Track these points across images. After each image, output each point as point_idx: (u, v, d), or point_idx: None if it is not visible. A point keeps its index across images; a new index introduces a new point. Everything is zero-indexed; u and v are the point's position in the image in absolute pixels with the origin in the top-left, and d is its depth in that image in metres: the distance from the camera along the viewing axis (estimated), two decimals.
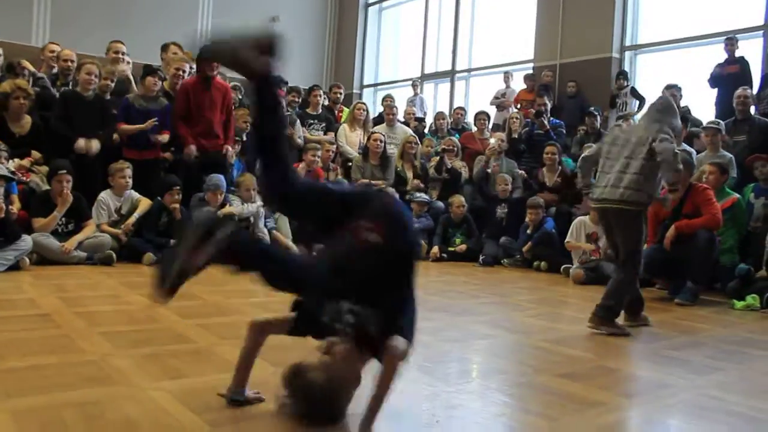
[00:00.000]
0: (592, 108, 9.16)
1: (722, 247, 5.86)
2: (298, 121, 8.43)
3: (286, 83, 9.61)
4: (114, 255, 5.63)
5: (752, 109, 7.88)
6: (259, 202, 6.59)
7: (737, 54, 8.64)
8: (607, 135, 4.50)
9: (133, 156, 6.35)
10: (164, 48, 7.91)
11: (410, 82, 12.83)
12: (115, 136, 6.47)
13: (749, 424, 2.35)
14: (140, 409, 2.11)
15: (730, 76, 8.41)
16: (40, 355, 2.68)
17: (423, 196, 7.99)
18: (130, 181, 6.07)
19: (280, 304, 4.18)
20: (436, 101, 13.81)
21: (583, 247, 6.42)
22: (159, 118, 6.47)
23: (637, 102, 9.80)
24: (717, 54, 8.88)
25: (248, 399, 2.24)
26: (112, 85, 6.73)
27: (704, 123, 7.49)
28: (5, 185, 5.16)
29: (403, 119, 10.05)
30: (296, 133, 8.24)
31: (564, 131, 9.16)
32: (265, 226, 6.60)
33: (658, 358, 3.35)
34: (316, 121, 8.84)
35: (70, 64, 7.05)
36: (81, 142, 6.12)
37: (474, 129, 9.65)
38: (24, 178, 5.88)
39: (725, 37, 8.80)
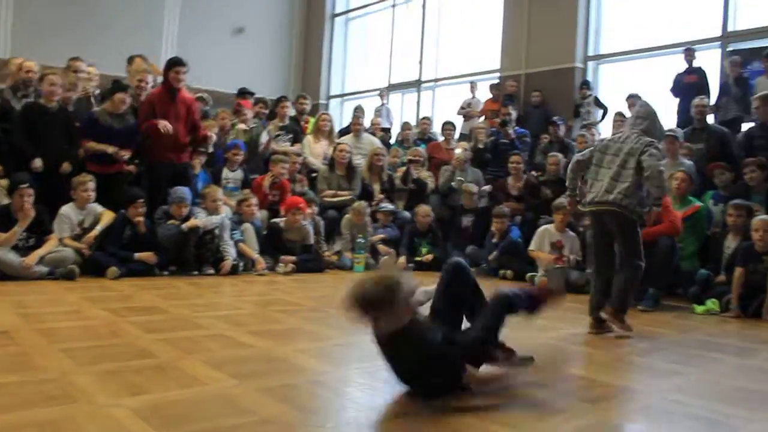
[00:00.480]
0: (556, 117, 9.27)
1: (683, 254, 5.97)
2: (264, 132, 8.40)
3: (253, 94, 9.59)
4: (77, 269, 5.52)
5: (711, 118, 8.05)
6: (224, 213, 6.55)
7: (695, 64, 8.83)
8: (599, 143, 4.64)
9: (96, 169, 6.27)
10: (130, 61, 7.85)
11: (377, 93, 12.87)
12: (81, 150, 6.38)
13: (709, 427, 2.39)
14: (100, 428, 2.08)
15: (689, 86, 8.59)
16: None
17: (388, 206, 8.00)
18: (93, 194, 5.99)
19: (247, 316, 4.20)
20: (402, 111, 13.86)
21: (542, 258, 6.49)
22: (123, 137, 6.41)
23: (601, 111, 9.95)
24: (677, 64, 9.06)
25: None
26: (74, 97, 6.65)
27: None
28: None
29: (369, 129, 10.07)
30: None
31: (529, 140, 9.25)
32: (232, 237, 6.56)
33: (621, 364, 3.40)
34: (283, 132, 8.81)
35: (31, 75, 6.94)
36: (37, 162, 6.04)
37: (440, 139, 9.70)
38: None
39: (684, 48, 8.99)
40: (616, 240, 4.27)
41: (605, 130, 9.58)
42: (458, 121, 10.71)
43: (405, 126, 10.19)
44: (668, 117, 8.82)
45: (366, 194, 8.20)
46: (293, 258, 6.78)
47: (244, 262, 6.55)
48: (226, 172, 7.54)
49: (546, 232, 6.64)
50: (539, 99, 10.42)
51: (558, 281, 6.05)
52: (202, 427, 2.12)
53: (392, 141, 10.49)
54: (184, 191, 6.26)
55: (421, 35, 13.68)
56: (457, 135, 10.06)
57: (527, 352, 2.96)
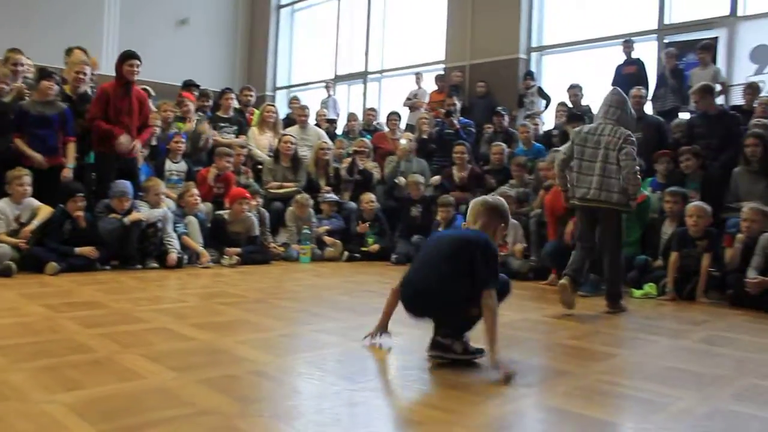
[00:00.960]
0: (500, 108, 9.39)
1: (629, 240, 6.11)
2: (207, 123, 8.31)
3: (198, 86, 9.47)
4: (13, 266, 5.37)
5: (649, 108, 8.28)
6: (166, 207, 6.47)
7: (634, 55, 9.04)
8: (576, 135, 4.91)
9: (33, 163, 6.11)
10: (68, 52, 7.66)
11: (323, 84, 12.84)
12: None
13: (639, 405, 2.47)
14: (32, 425, 2.04)
15: (628, 77, 8.78)
16: None
17: (332, 196, 8.01)
18: (29, 188, 5.82)
19: (190, 309, 4.17)
20: (349, 102, 13.86)
21: None
22: (57, 123, 6.26)
23: (544, 101, 10.11)
24: (617, 55, 9.27)
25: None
26: (8, 88, 6.46)
27: None
28: None
29: (314, 121, 10.03)
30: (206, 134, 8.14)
31: (474, 130, 9.34)
32: (175, 230, 6.48)
33: (558, 348, 3.48)
34: (227, 124, 8.73)
35: None
36: None
37: (386, 130, 9.73)
38: None
39: (623, 40, 9.19)
40: (599, 226, 4.81)
41: (549, 119, 9.75)
42: (405, 112, 10.75)
43: (350, 117, 10.19)
44: None
45: (311, 186, 8.19)
46: (238, 250, 6.74)
47: (189, 255, 6.48)
48: (169, 164, 7.44)
49: None
50: (484, 89, 10.54)
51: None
52: (138, 421, 2.10)
53: (338, 132, 10.49)
54: (125, 185, 6.16)
55: (367, 26, 13.68)
56: (403, 126, 10.09)
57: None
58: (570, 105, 8.79)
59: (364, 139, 9.11)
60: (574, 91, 8.80)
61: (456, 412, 2.34)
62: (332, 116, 11.28)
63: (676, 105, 8.32)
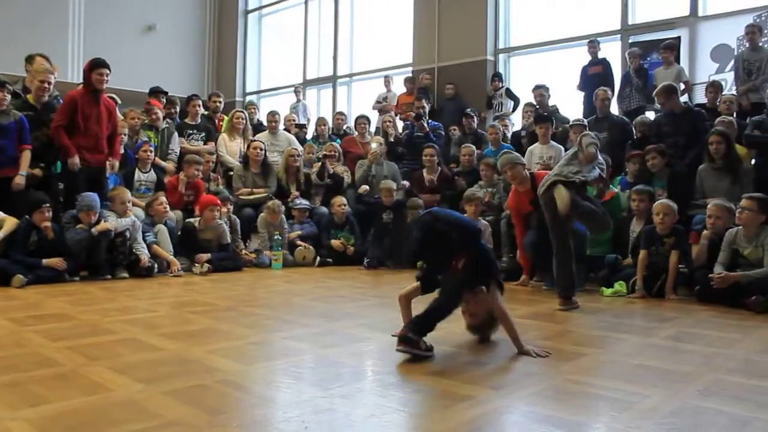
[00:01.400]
0: (469, 109, 9.43)
1: (600, 238, 6.17)
2: (176, 133, 8.24)
3: (165, 93, 9.39)
4: None
5: (615, 108, 8.38)
6: (133, 215, 6.39)
7: (600, 56, 9.15)
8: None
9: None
10: (29, 59, 7.55)
11: (293, 89, 12.80)
12: None
13: (607, 404, 2.49)
14: None
15: (594, 77, 8.89)
16: None
17: (303, 202, 7.99)
18: None
19: (160, 319, 4.12)
20: (319, 107, 13.86)
21: None
22: (14, 132, 6.17)
23: (512, 102, 10.18)
24: (582, 56, 9.37)
25: None
26: None
27: (570, 120, 7.86)
28: None
29: (284, 126, 10.00)
30: (172, 145, 8.07)
31: (443, 132, 9.37)
32: (145, 240, 6.42)
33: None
34: (195, 131, 8.67)
35: None
36: None
37: (356, 134, 9.73)
38: None
39: (588, 40, 9.30)
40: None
41: (517, 120, 9.82)
42: (374, 116, 10.76)
43: (320, 122, 10.17)
44: (576, 107, 9.14)
45: (282, 191, 8.16)
46: (208, 256, 6.69)
47: (158, 264, 6.42)
48: (138, 175, 7.36)
49: None
50: (453, 92, 10.59)
51: None
52: None
53: (308, 137, 10.46)
54: (92, 198, 6.06)
55: (335, 30, 13.68)
56: (372, 129, 10.10)
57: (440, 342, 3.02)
58: (537, 106, 8.87)
59: (334, 143, 9.10)
60: (540, 91, 8.87)
61: (424, 416, 2.35)
62: (302, 121, 11.26)
63: (641, 104, 8.43)
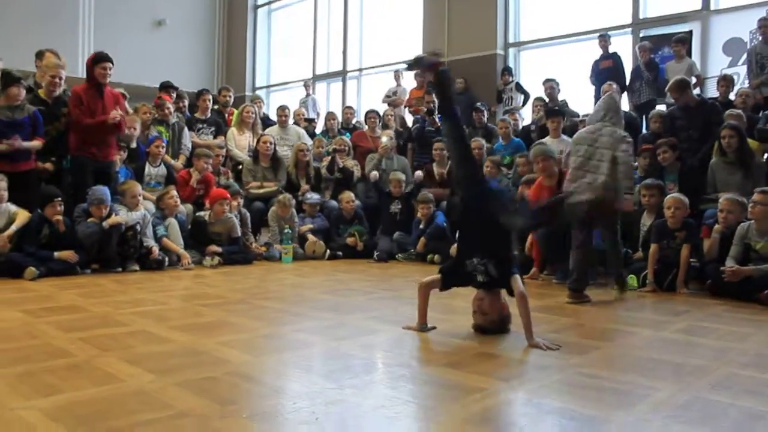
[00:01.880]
0: (479, 103, 9.40)
1: None
2: (186, 127, 8.26)
3: (176, 88, 9.41)
4: None
5: (625, 101, 8.35)
6: (143, 209, 6.40)
7: (610, 50, 9.10)
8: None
9: (7, 168, 6.02)
10: (39, 55, 7.57)
11: (302, 83, 12.80)
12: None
13: (617, 397, 2.49)
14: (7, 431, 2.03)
15: (605, 71, 8.85)
16: None
17: (314, 197, 7.99)
18: (5, 194, 5.75)
19: (171, 311, 4.14)
20: (328, 101, 13.85)
21: None
22: (28, 126, 6.19)
23: (522, 96, 10.15)
24: (593, 50, 9.32)
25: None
26: None
27: (581, 115, 7.83)
28: None
29: (293, 120, 10.01)
30: (184, 140, 8.08)
31: None
32: (155, 233, 6.44)
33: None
34: (205, 125, 8.69)
35: None
36: None
37: (366, 128, 9.72)
38: None
39: (599, 35, 9.25)
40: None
41: (527, 115, 9.80)
42: (383, 110, 10.74)
43: (329, 116, 10.16)
44: (585, 101, 9.11)
45: (292, 185, 8.17)
46: (219, 249, 6.71)
47: (168, 257, 6.45)
48: (148, 169, 7.37)
49: None
50: (463, 86, 10.55)
51: None
52: (115, 424, 2.08)
53: (318, 131, 10.46)
54: (103, 191, 6.07)
55: (344, 25, 13.66)
56: (380, 123, 10.08)
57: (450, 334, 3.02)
58: (546, 99, 8.84)
59: (344, 137, 9.09)
60: (550, 84, 8.84)
61: (434, 408, 2.35)
62: (312, 115, 11.26)
63: (651, 98, 8.39)
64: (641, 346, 3.41)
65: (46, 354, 2.97)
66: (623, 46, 9.39)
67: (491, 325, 3.53)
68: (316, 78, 13.99)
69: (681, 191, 5.96)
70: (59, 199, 5.92)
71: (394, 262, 7.45)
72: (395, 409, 2.30)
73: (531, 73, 10.75)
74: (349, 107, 10.98)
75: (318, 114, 11.73)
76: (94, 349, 3.05)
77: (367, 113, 9.69)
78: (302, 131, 9.38)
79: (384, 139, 8.64)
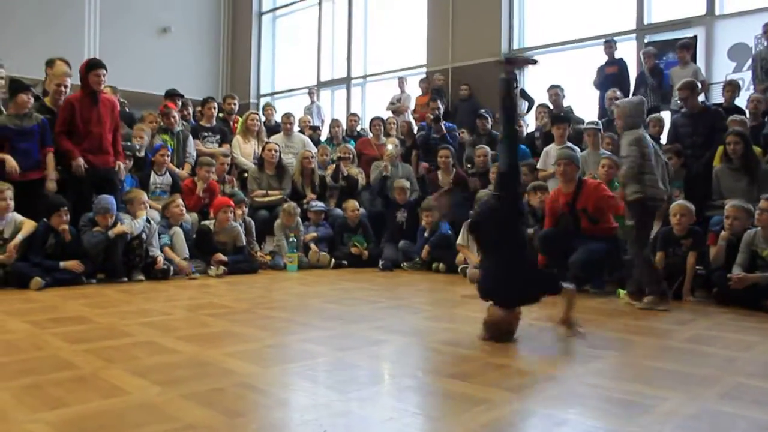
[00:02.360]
0: (483, 110, 9.40)
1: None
2: (191, 136, 8.28)
3: (181, 96, 9.43)
4: None
5: None
6: (144, 216, 6.36)
7: (616, 56, 9.09)
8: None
9: (15, 177, 6.05)
10: (49, 63, 7.60)
11: (307, 90, 12.83)
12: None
13: (621, 407, 2.48)
14: None
15: (610, 77, 8.84)
16: None
17: (319, 205, 7.98)
18: (11, 203, 5.76)
19: (176, 322, 4.14)
20: (333, 108, 13.87)
21: (469, 255, 6.63)
22: (37, 135, 6.21)
23: (527, 103, 10.13)
24: (598, 56, 9.32)
25: None
26: None
27: (585, 121, 7.83)
28: None
29: (298, 128, 10.02)
30: (189, 148, 8.11)
31: (458, 134, 9.36)
32: (159, 241, 6.45)
33: (544, 351, 3.49)
34: (210, 133, 8.70)
35: None
36: None
37: (371, 135, 9.73)
38: None
39: (604, 40, 9.25)
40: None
41: (531, 121, 9.78)
42: (387, 117, 10.75)
43: (334, 123, 10.18)
44: (589, 108, 9.10)
45: (296, 193, 8.18)
46: (224, 258, 6.71)
47: (173, 267, 6.45)
48: (154, 177, 7.39)
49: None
50: (467, 92, 10.56)
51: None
52: None
53: (323, 138, 10.48)
54: (108, 201, 6.07)
55: (349, 32, 13.69)
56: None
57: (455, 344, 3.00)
58: (551, 106, 8.83)
59: (348, 145, 9.10)
60: (555, 91, 8.84)
61: (441, 420, 2.35)
62: (316, 123, 11.27)
63: (656, 104, 8.37)
64: (648, 355, 3.40)
65: (52, 366, 2.97)
66: (628, 52, 9.38)
67: (500, 327, 3.58)
68: (321, 85, 14.02)
69: (686, 198, 5.95)
70: (65, 208, 5.92)
71: (400, 270, 7.45)
72: (403, 421, 2.29)
73: (535, 79, 10.74)
74: (354, 114, 10.99)
75: (322, 121, 11.75)
76: (100, 361, 3.05)
77: (371, 120, 9.70)
78: (307, 139, 9.39)
79: (389, 146, 8.63)
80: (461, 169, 8.28)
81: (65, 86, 6.71)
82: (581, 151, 6.98)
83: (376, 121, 9.54)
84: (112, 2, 14.06)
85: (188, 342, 3.50)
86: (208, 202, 7.33)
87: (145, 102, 10.45)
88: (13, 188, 5.82)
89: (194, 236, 6.89)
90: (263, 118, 9.75)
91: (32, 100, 6.34)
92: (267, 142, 8.48)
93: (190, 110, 9.20)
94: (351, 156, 8.77)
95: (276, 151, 8.16)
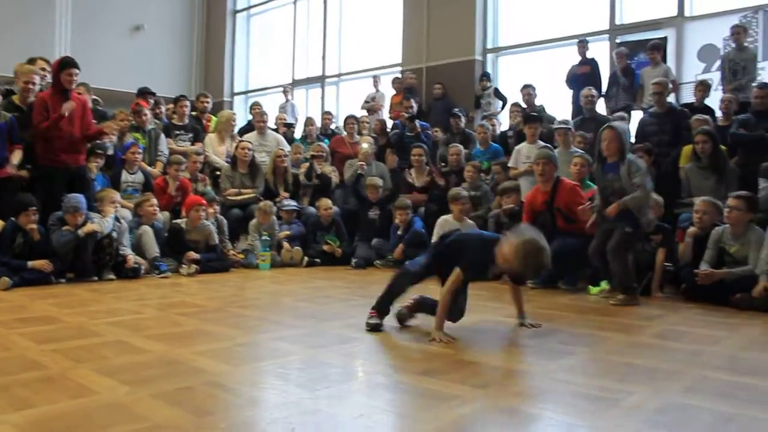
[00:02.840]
0: (457, 109, 9.44)
1: None
2: (163, 134, 8.21)
3: (154, 94, 9.36)
4: None
5: (602, 107, 8.43)
6: (113, 214, 6.29)
7: (588, 55, 9.18)
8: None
9: None
10: (31, 62, 7.49)
11: (281, 89, 12.79)
12: None
13: (592, 402, 2.50)
14: None
15: (582, 77, 8.93)
16: None
17: (291, 204, 7.97)
18: None
19: (147, 321, 4.11)
20: (307, 107, 13.84)
21: None
22: (4, 132, 6.12)
23: (500, 102, 10.20)
24: (571, 55, 9.40)
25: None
26: None
27: (557, 120, 7.89)
28: None
29: (273, 126, 10.00)
30: (161, 146, 8.05)
31: (431, 133, 9.39)
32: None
33: (514, 348, 3.52)
34: (182, 131, 8.66)
35: None
36: None
37: (344, 134, 9.72)
38: None
39: (577, 40, 9.33)
40: None
41: (504, 120, 9.85)
42: (360, 116, 10.76)
43: (308, 122, 10.16)
44: (563, 107, 9.17)
45: (269, 192, 8.15)
46: (197, 256, 6.67)
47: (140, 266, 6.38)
48: (125, 176, 7.33)
49: (445, 222, 6.80)
50: (441, 91, 10.60)
51: None
52: None
53: (297, 136, 10.46)
54: (78, 199, 6.00)
55: (323, 30, 13.67)
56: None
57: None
58: (524, 105, 8.89)
59: (321, 143, 9.09)
60: (527, 90, 8.91)
61: (411, 417, 2.35)
62: (291, 121, 11.25)
63: (628, 103, 8.47)
64: (616, 350, 3.44)
65: (19, 366, 2.93)
66: (600, 52, 9.48)
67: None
68: (295, 83, 13.98)
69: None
70: (34, 208, 5.85)
71: (373, 268, 7.45)
72: (373, 418, 2.30)
73: (509, 78, 10.82)
74: (328, 113, 10.99)
75: (296, 119, 11.72)
76: (68, 361, 3.02)
77: (345, 119, 9.71)
78: (281, 137, 9.36)
79: (365, 145, 8.64)
80: (434, 168, 8.31)
81: (33, 83, 6.62)
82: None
83: (349, 120, 9.55)
84: (82, 1, 13.90)
85: (158, 341, 3.47)
86: (180, 201, 7.28)
87: (118, 100, 10.35)
88: None
89: (166, 235, 6.84)
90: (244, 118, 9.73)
91: (0, 98, 6.26)
92: (240, 141, 8.45)
93: (163, 108, 9.15)
94: (325, 154, 8.77)
95: (249, 149, 8.14)
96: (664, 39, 8.85)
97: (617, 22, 9.65)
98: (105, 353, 3.21)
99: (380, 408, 2.41)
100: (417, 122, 9.07)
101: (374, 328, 3.79)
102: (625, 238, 5.08)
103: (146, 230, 6.56)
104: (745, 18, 8.31)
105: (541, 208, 5.95)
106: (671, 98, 7.89)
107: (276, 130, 9.82)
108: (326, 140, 9.57)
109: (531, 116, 7.81)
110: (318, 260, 7.57)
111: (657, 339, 3.76)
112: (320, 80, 13.68)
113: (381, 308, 3.89)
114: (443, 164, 8.57)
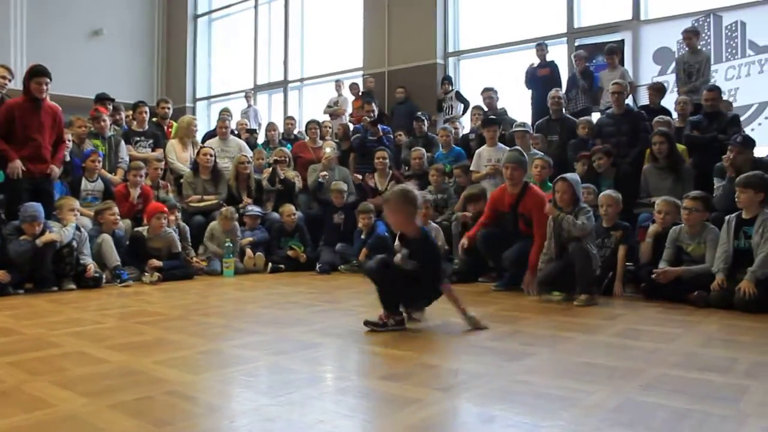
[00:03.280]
0: (420, 113, 9.49)
1: None
2: (122, 141, 8.11)
3: (112, 100, 9.24)
4: None
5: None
6: (74, 223, 6.20)
7: (548, 58, 9.30)
8: None
9: None
10: None
11: (243, 94, 12.73)
12: None
13: (552, 403, 2.53)
14: None
15: (542, 79, 9.04)
16: None
17: (255, 209, 7.93)
18: None
19: (107, 330, 4.05)
20: (270, 112, 13.80)
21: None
22: None
23: (462, 105, 10.28)
24: (531, 59, 9.52)
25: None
26: None
27: (514, 124, 7.98)
28: None
29: (235, 131, 9.94)
30: (121, 153, 7.95)
31: (393, 137, 9.42)
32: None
33: (476, 350, 3.54)
34: (142, 138, 8.56)
35: None
36: None
37: (307, 138, 9.71)
38: None
39: (536, 43, 9.45)
40: None
41: (467, 123, 9.92)
42: (323, 120, 10.75)
43: (270, 127, 10.13)
44: (524, 109, 9.28)
45: (232, 198, 8.10)
46: (159, 263, 6.60)
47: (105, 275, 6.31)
48: (85, 184, 7.23)
49: None
50: (404, 95, 10.64)
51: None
52: None
53: (260, 142, 10.41)
54: (36, 208, 5.88)
55: (285, 35, 13.64)
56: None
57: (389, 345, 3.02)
58: (485, 108, 8.97)
59: (284, 148, 9.06)
60: (489, 93, 9.00)
61: (372, 422, 2.36)
62: (253, 126, 11.20)
63: (587, 105, 8.60)
64: (576, 350, 3.48)
65: None
66: (559, 55, 9.61)
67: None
68: (258, 88, 13.92)
69: None
70: None
71: (337, 273, 7.44)
72: (334, 423, 2.29)
73: (471, 81, 10.90)
74: (291, 118, 10.97)
75: (260, 125, 11.67)
76: (24, 374, 2.96)
77: (307, 124, 9.70)
78: (243, 143, 9.32)
79: (328, 149, 8.64)
80: (398, 172, 8.34)
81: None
82: None
83: (312, 125, 9.54)
84: (40, 3, 13.67)
85: (119, 351, 3.43)
86: (142, 208, 7.19)
87: (76, 106, 10.18)
88: None
89: (127, 243, 6.75)
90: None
91: None
92: (202, 147, 8.39)
93: (123, 115, 9.04)
94: (287, 159, 8.75)
95: (211, 155, 8.08)
96: (621, 42, 9.00)
97: (575, 25, 9.80)
98: (63, 365, 3.16)
99: (341, 414, 2.41)
100: (379, 126, 9.09)
101: (399, 324, 4.00)
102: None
103: (106, 239, 6.46)
104: (697, 22, 8.50)
105: (505, 209, 6.00)
106: (629, 100, 8.03)
107: (238, 136, 9.75)
108: (289, 145, 9.54)
109: (489, 120, 7.88)
110: (282, 266, 7.54)
111: (617, 338, 3.82)
112: (283, 85, 13.63)
113: (388, 308, 4.03)
114: (406, 168, 8.60)
